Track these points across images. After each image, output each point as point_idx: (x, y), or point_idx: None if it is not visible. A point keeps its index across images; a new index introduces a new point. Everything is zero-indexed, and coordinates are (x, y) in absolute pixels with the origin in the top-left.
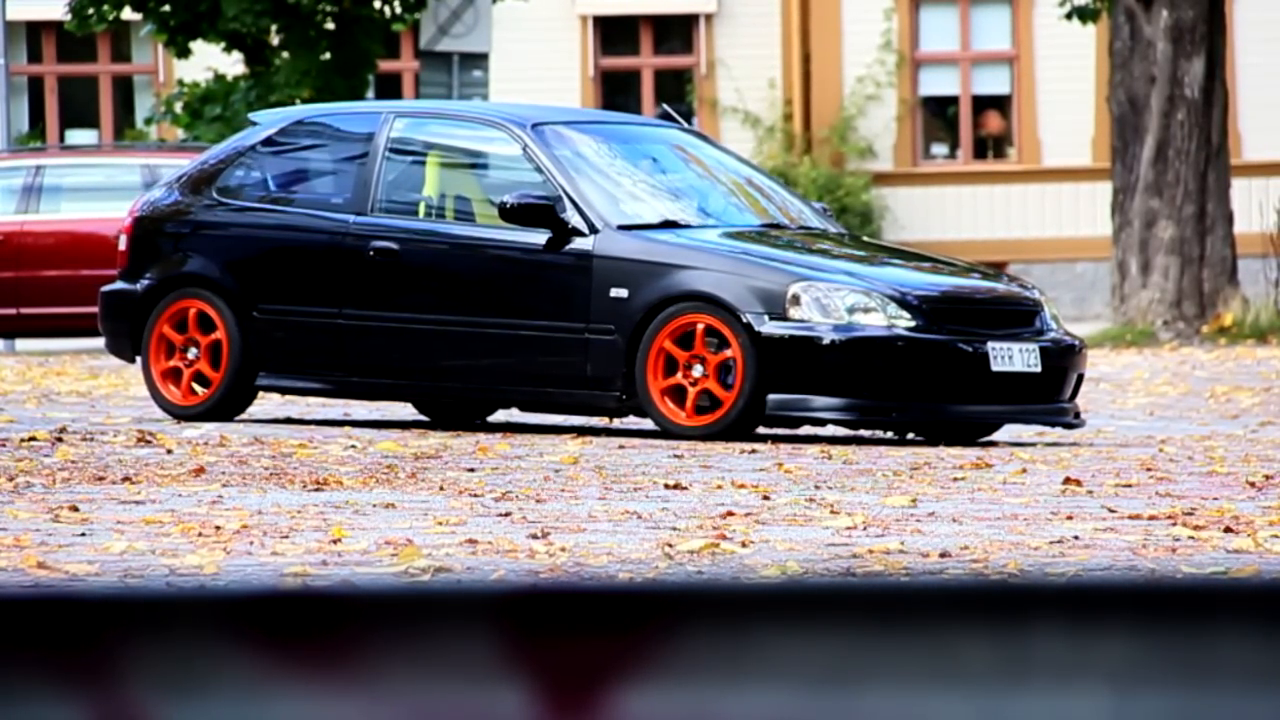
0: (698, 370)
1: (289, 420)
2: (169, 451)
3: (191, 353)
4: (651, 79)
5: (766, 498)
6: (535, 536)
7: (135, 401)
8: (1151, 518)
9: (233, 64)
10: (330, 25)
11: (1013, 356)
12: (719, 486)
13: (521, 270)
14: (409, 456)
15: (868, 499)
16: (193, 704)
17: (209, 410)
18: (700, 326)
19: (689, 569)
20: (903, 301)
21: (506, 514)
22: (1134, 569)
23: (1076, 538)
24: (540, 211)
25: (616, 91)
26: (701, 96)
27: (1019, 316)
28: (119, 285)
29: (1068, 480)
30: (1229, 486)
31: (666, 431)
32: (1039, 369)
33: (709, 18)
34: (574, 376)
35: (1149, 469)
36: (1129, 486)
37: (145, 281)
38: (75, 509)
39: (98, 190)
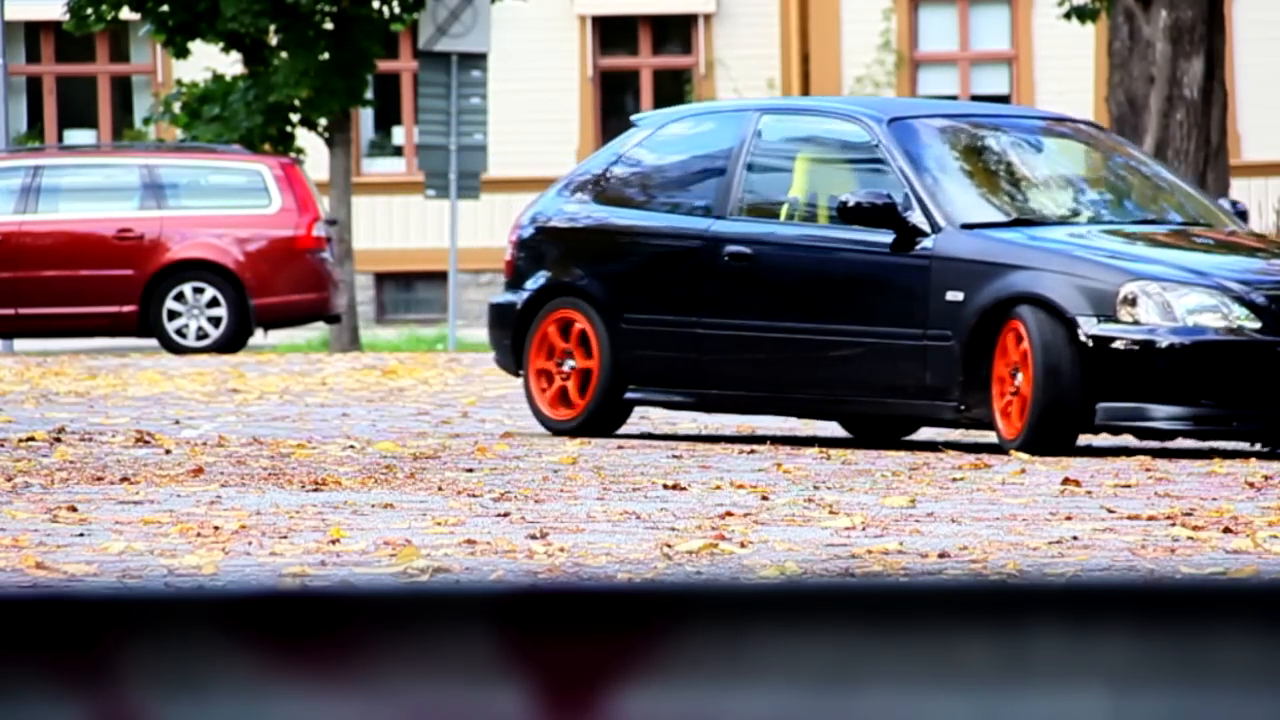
0: (1020, 378)
1: (655, 437)
2: (167, 452)
3: (568, 365)
4: (650, 79)
5: (765, 498)
6: (534, 537)
7: (133, 402)
8: (1150, 518)
9: (231, 64)
10: (329, 25)
11: None
12: (718, 487)
13: (863, 273)
14: (407, 457)
15: (866, 499)
16: (191, 704)
17: (581, 425)
18: (1017, 331)
19: (688, 569)
20: (1249, 302)
21: (505, 514)
22: (1133, 569)
23: (1075, 538)
24: (882, 211)
25: (615, 92)
26: (700, 96)
27: None
28: (504, 297)
29: (1066, 481)
30: (1228, 487)
31: (1003, 448)
32: None
33: (708, 18)
34: (914, 386)
35: (1148, 469)
36: (1128, 487)
37: (525, 292)
38: (74, 509)
39: (96, 190)
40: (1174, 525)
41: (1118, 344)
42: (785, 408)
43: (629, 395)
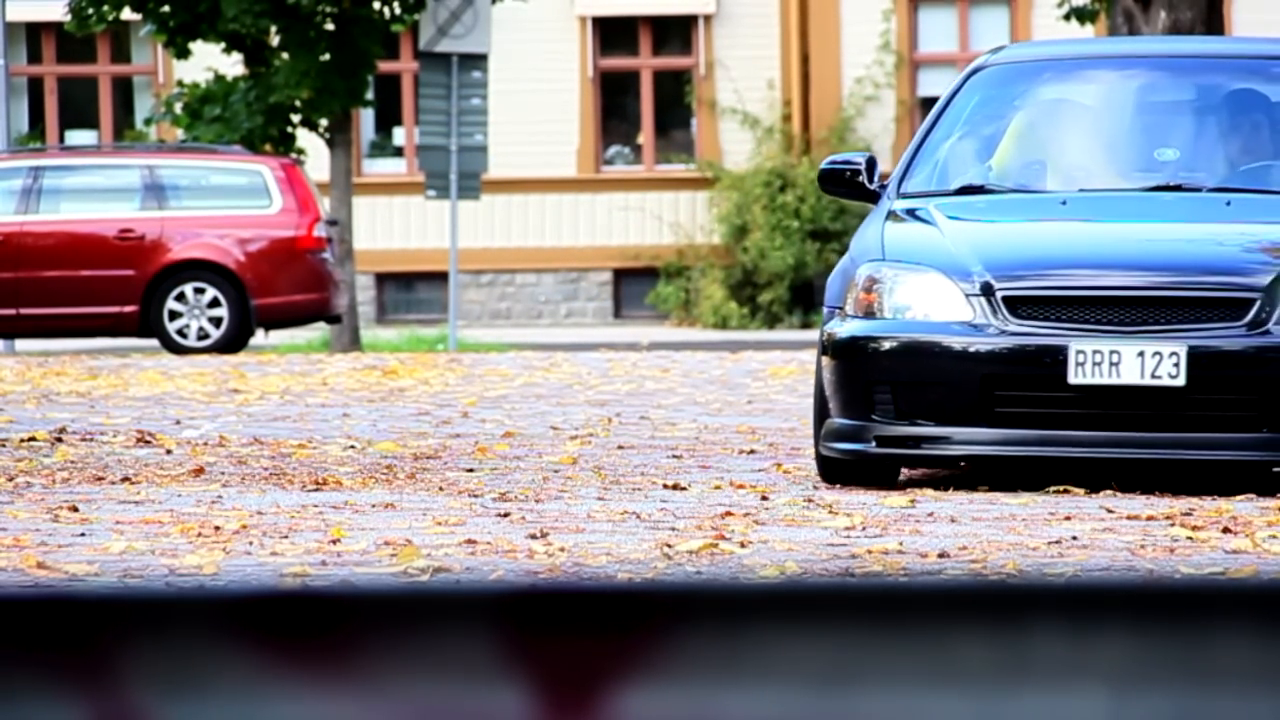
0: None
1: None
2: (168, 452)
3: None
4: (650, 79)
5: (765, 498)
6: (534, 537)
7: (134, 402)
8: (1150, 518)
9: (232, 64)
10: (330, 26)
11: None
12: (717, 487)
13: None
14: (408, 457)
15: (866, 499)
16: (192, 704)
17: None
18: None
19: (688, 569)
20: (996, 296)
21: (505, 514)
22: (1132, 569)
23: (1075, 538)
24: (841, 176)
25: (615, 92)
26: (700, 97)
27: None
28: None
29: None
30: (1227, 486)
31: None
32: None
33: (708, 18)
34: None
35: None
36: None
37: None
38: (75, 509)
39: (97, 191)
40: (1173, 525)
41: (836, 343)
42: None
43: None
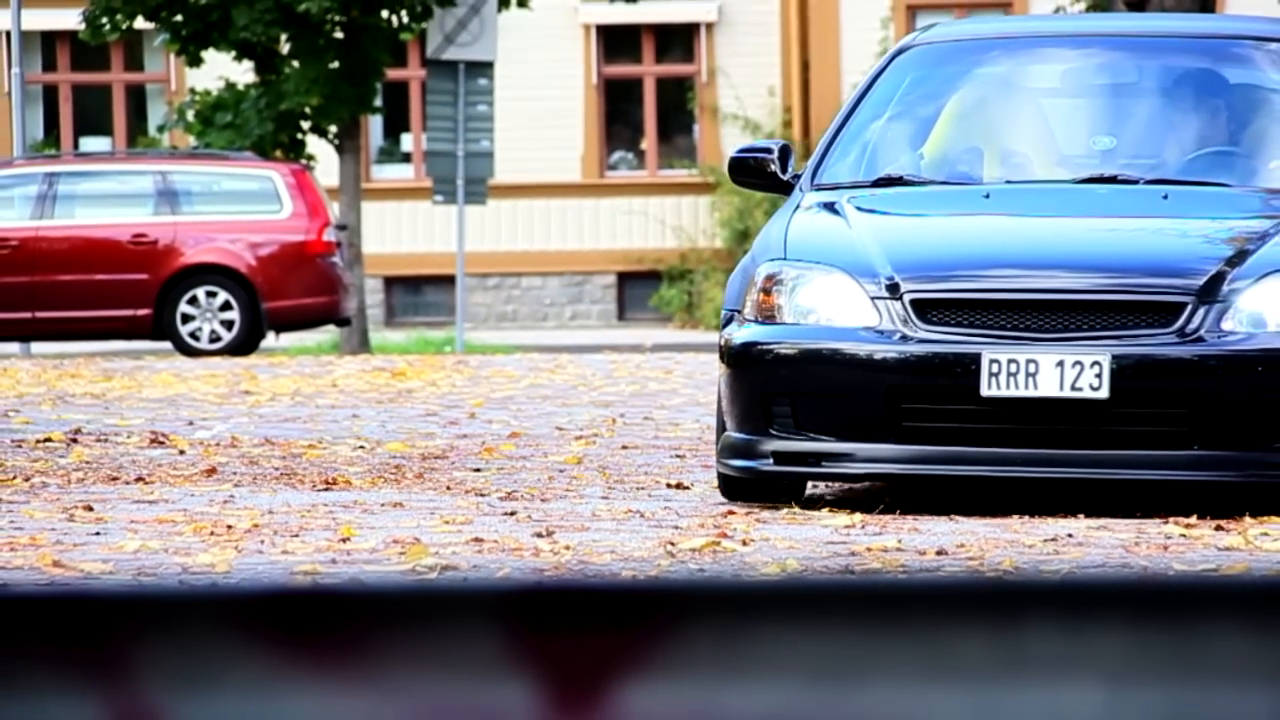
0: None
1: None
2: (181, 452)
3: None
4: (653, 87)
5: None
6: (540, 535)
7: (148, 403)
8: (1144, 515)
9: (243, 72)
10: (339, 34)
11: None
12: (720, 486)
13: None
14: (416, 457)
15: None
16: (204, 700)
17: None
18: None
19: (691, 567)
20: (905, 299)
21: (512, 513)
22: (1127, 566)
23: (1070, 536)
24: (752, 166)
25: (619, 99)
26: (702, 103)
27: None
28: None
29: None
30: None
31: None
32: None
33: (709, 26)
34: None
35: None
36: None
37: None
38: (90, 508)
39: (111, 197)
40: (1167, 523)
41: (731, 350)
42: None
43: None
